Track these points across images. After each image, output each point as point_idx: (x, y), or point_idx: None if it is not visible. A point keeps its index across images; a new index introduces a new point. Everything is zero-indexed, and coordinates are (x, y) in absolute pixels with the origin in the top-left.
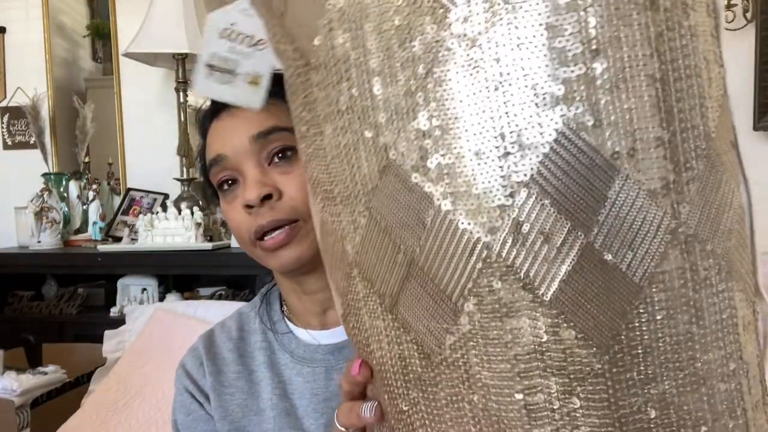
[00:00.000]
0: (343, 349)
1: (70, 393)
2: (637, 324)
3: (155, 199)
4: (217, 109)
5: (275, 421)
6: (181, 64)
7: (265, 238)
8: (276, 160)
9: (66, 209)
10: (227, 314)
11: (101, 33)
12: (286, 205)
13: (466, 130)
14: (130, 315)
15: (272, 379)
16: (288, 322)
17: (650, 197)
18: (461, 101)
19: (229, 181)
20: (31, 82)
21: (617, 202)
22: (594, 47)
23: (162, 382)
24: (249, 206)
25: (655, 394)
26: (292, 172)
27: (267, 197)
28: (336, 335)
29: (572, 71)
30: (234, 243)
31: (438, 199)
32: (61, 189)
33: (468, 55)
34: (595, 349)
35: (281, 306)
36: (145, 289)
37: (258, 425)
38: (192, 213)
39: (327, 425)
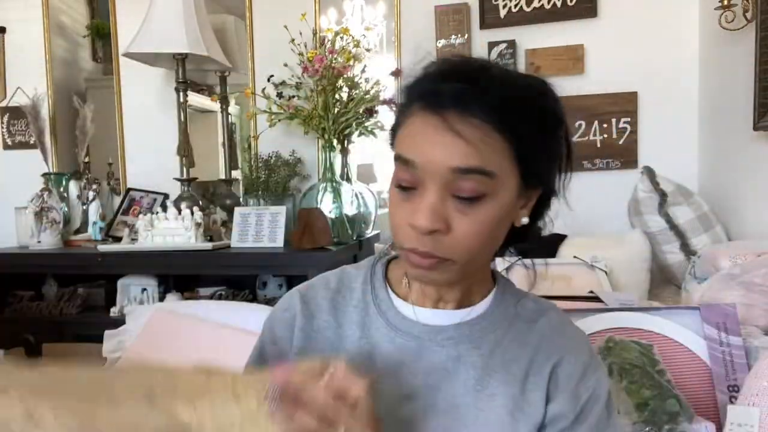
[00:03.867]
0: (441, 333)
1: None
2: None
3: (155, 199)
4: (436, 102)
5: None
6: (181, 64)
7: (415, 254)
8: (460, 197)
9: (66, 209)
10: (227, 314)
11: (101, 33)
12: (449, 244)
13: None
14: (130, 315)
15: (360, 339)
16: (390, 292)
17: None
18: None
19: (408, 185)
20: (31, 82)
21: None
22: None
23: None
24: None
25: None
26: (468, 215)
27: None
28: (439, 317)
29: None
30: (234, 243)
31: None
32: (61, 189)
33: None
34: None
35: (385, 275)
36: (145, 289)
37: None
38: (192, 213)
39: (405, 398)
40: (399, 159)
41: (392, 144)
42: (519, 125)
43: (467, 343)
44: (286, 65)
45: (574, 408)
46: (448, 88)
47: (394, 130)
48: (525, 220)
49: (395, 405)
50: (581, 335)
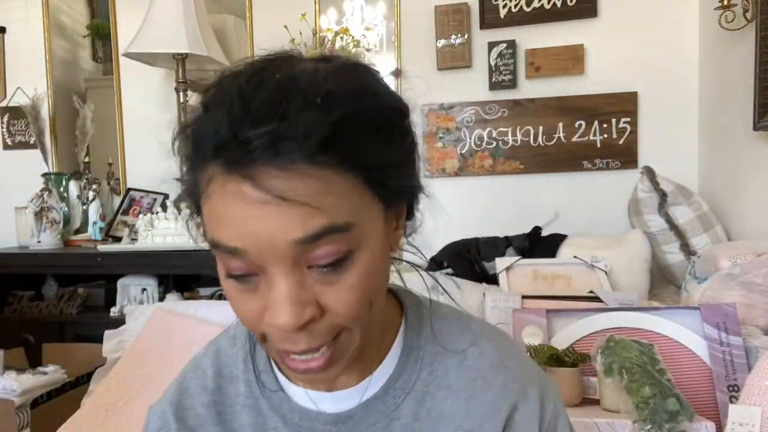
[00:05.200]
0: (348, 419)
1: (70, 393)
2: None
3: (155, 199)
4: (234, 159)
5: None
6: (181, 64)
7: (293, 356)
8: (320, 266)
9: (66, 209)
10: (227, 314)
11: (101, 33)
12: (329, 324)
13: None
14: (130, 315)
15: None
16: (279, 375)
17: None
18: None
19: (245, 273)
20: (31, 82)
21: None
22: None
23: (162, 382)
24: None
25: None
26: (338, 282)
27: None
28: (340, 402)
29: None
30: None
31: None
32: (61, 189)
33: None
34: None
35: (270, 359)
36: (145, 289)
37: None
38: None
39: None
40: (220, 248)
41: (195, 213)
42: (362, 148)
43: (383, 418)
44: None
45: None
46: (251, 134)
47: (192, 198)
48: (404, 240)
49: None
50: (523, 359)
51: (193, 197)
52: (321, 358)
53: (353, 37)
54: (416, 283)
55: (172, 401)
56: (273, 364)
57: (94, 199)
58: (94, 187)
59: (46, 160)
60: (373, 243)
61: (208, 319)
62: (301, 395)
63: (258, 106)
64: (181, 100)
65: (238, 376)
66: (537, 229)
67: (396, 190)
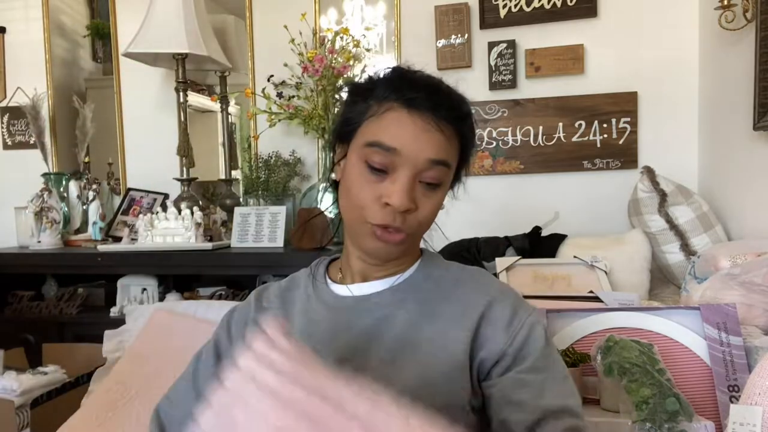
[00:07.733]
0: (368, 300)
1: (70, 393)
2: None
3: (155, 199)
4: (415, 104)
5: None
6: (181, 64)
7: (390, 229)
8: (426, 183)
9: (66, 209)
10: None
11: (101, 33)
12: (413, 221)
13: None
14: (130, 315)
15: (304, 324)
16: (329, 281)
17: None
18: None
19: (380, 167)
20: (31, 82)
21: None
22: None
23: (162, 382)
24: (387, 204)
25: None
26: (430, 198)
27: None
28: (368, 287)
29: None
30: (234, 243)
31: None
32: (61, 189)
33: None
34: None
35: (326, 271)
36: (145, 289)
37: None
38: (192, 213)
39: (338, 362)
40: (378, 145)
41: (349, 129)
42: (464, 126)
43: (393, 305)
44: (286, 65)
45: (511, 342)
46: (425, 93)
47: (356, 117)
48: (445, 201)
49: None
50: (509, 287)
51: (351, 124)
52: (397, 236)
53: (353, 37)
54: None
55: (256, 290)
56: (326, 276)
57: (94, 199)
58: (94, 187)
59: (46, 160)
60: (446, 187)
61: (208, 319)
62: (342, 289)
63: (418, 80)
64: (181, 100)
65: (301, 283)
66: (537, 229)
67: (462, 165)
